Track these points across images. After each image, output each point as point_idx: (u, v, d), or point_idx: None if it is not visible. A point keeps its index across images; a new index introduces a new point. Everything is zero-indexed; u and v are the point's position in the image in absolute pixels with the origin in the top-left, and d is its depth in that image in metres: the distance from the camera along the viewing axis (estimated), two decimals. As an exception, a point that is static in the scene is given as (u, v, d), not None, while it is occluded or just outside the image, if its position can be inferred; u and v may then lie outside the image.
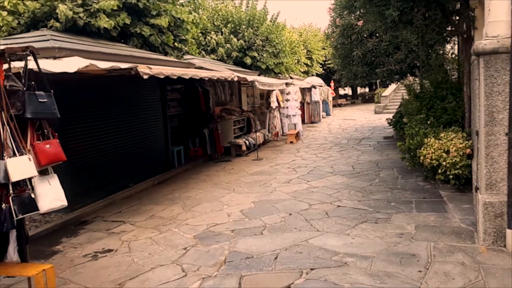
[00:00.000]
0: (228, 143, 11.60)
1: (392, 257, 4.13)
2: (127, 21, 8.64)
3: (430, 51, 8.61)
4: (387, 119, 12.70)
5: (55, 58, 5.42)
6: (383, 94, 27.12)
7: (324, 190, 6.99)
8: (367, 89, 47.09)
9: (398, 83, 15.99)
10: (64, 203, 3.52)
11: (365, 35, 11.19)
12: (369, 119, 21.59)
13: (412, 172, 7.72)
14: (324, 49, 31.74)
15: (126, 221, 5.98)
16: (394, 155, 10.08)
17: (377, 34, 11.09)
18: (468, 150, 6.12)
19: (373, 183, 7.30)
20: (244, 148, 11.44)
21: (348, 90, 49.03)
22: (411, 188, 6.74)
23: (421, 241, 4.50)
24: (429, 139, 6.73)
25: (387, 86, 30.83)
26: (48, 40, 6.05)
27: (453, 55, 10.93)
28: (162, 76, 5.88)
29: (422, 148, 6.66)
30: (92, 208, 6.57)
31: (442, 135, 6.70)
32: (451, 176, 6.14)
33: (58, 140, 3.60)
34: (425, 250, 4.25)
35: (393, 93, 27.88)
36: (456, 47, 11.70)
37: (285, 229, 5.15)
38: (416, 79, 11.83)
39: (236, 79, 8.98)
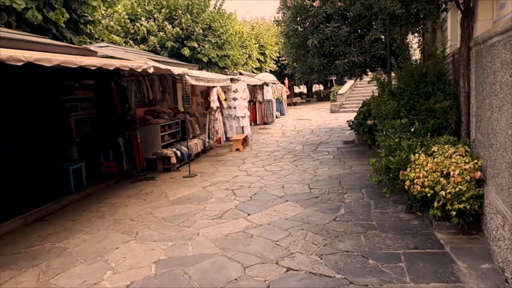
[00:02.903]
0: (153, 154, 9.09)
1: None
2: (-15, -13, 5.95)
3: (412, 30, 6.56)
4: (348, 121, 10.75)
5: None
6: (339, 92, 25.60)
7: (269, 233, 4.73)
8: (321, 87, 46.02)
9: (356, 79, 14.13)
10: None
11: (322, 19, 9.11)
12: (326, 119, 19.83)
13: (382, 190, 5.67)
14: (278, 44, 29.89)
15: None
16: (358, 167, 8.08)
17: (336, 17, 9.04)
18: (478, 174, 4.11)
19: (337, 217, 5.15)
20: (173, 160, 8.98)
21: (303, 88, 47.74)
22: (393, 227, 4.65)
23: None
24: (417, 155, 4.68)
25: (343, 84, 29.53)
26: None
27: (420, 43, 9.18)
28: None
29: (408, 169, 4.60)
30: None
31: (434, 149, 4.67)
32: (453, 213, 4.11)
33: None
34: None
35: (350, 91, 26.50)
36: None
37: None
38: (383, 74, 9.98)
39: (151, 70, 6.53)
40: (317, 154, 10.05)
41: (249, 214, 5.48)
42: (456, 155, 4.38)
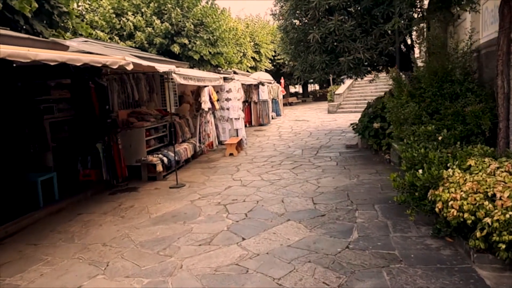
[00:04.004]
0: (136, 161, 8.17)
1: None
2: None
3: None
4: (352, 124, 9.90)
5: None
6: (336, 92, 24.77)
7: (269, 266, 3.85)
8: (317, 87, 45.19)
9: (356, 79, 13.03)
10: None
11: (324, 11, 8.24)
12: (324, 120, 19.01)
13: (406, 211, 4.83)
14: (273, 43, 29.09)
15: None
16: (366, 176, 7.22)
17: (340, 10, 8.18)
18: (533, 197, 3.25)
19: (350, 243, 4.28)
20: (159, 168, 8.06)
21: (298, 88, 46.91)
22: (421, 259, 3.78)
23: None
24: (450, 171, 3.81)
25: (339, 84, 28.69)
26: None
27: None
28: None
29: (441, 188, 3.73)
30: None
31: (471, 163, 3.80)
32: (501, 245, 3.25)
33: None
34: None
35: (347, 91, 25.68)
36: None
37: None
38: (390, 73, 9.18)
39: (130, 67, 5.62)
40: (318, 160, 9.19)
41: (243, 239, 4.59)
42: (502, 172, 3.53)
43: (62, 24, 8.23)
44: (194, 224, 5.21)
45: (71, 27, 8.81)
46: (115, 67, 5.33)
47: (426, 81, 5.02)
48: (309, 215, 5.26)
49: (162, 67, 7.24)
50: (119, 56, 5.83)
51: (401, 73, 8.32)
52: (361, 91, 25.52)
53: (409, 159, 4.31)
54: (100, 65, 5.02)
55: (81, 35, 11.02)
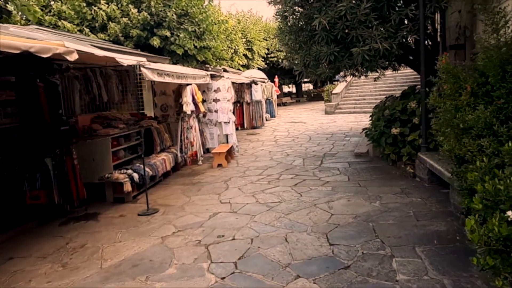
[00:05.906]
0: (98, 179, 6.52)
1: None
2: None
3: None
4: (364, 129, 8.35)
5: None
6: (334, 91, 23.30)
7: None
8: (311, 86, 43.72)
9: (357, 76, 11.21)
10: None
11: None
12: (322, 121, 17.50)
13: (465, 257, 3.29)
14: (266, 39, 27.60)
15: None
16: (390, 197, 5.66)
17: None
18: None
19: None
20: (127, 187, 6.41)
21: (292, 87, 45.46)
22: None
23: None
24: None
25: (333, 83, 27.23)
26: None
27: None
28: None
29: None
30: None
31: None
32: None
33: None
34: None
35: (345, 90, 24.19)
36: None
37: None
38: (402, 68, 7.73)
39: (73, 57, 4.00)
40: (324, 173, 7.62)
41: (232, 317, 3.00)
42: None
43: (9, 9, 6.55)
44: (160, 284, 3.59)
45: (4, 7, 7.05)
46: (46, 55, 3.70)
47: (494, 74, 3.47)
48: (326, 267, 3.67)
49: (127, 59, 5.61)
50: (56, 41, 4.18)
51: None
52: (360, 90, 24.08)
53: (489, 193, 2.74)
54: (17, 51, 3.38)
55: (50, 25, 9.37)
